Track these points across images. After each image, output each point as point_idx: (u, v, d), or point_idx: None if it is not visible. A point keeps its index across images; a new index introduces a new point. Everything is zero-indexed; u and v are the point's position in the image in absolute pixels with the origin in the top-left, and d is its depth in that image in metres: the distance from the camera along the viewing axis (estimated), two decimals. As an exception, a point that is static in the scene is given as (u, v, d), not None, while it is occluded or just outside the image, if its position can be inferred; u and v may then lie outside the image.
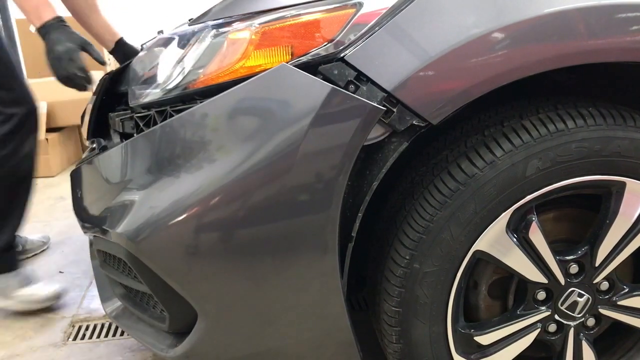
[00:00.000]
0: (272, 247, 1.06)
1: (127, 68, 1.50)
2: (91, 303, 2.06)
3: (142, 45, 1.86)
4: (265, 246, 1.06)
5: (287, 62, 1.05)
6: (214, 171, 1.04)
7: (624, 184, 1.15)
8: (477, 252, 1.15)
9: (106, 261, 1.38)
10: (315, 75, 1.05)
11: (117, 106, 1.43)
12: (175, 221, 1.04)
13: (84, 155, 1.48)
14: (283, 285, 1.09)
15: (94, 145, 1.36)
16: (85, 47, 1.60)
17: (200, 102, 1.09)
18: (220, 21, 1.14)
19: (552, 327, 1.25)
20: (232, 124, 1.05)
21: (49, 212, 3.06)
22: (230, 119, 1.05)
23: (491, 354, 1.24)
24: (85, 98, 1.82)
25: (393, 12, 1.03)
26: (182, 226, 1.04)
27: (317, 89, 1.01)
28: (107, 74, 1.53)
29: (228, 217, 1.04)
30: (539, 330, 1.24)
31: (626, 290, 1.26)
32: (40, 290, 2.00)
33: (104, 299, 1.50)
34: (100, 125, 1.47)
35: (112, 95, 1.50)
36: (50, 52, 1.55)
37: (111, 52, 2.06)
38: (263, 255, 1.06)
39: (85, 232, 1.34)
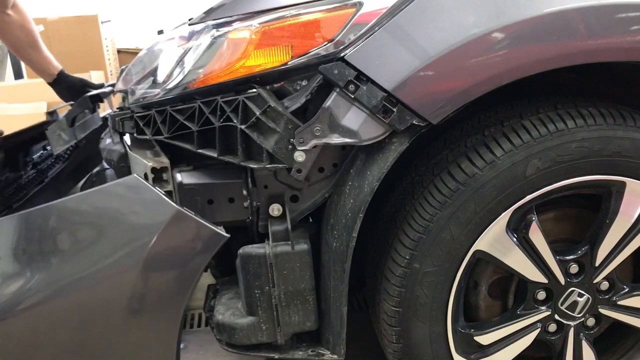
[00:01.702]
0: None
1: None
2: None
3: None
4: None
5: (287, 62, 1.05)
6: (49, 274, 1.01)
7: (624, 184, 1.15)
8: (477, 252, 1.15)
9: None
10: (315, 75, 1.05)
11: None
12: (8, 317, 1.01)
13: None
14: None
15: None
16: None
17: (200, 102, 1.09)
18: (220, 21, 1.14)
19: (552, 327, 1.25)
20: (77, 228, 1.04)
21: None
22: (75, 224, 1.04)
23: (491, 354, 1.24)
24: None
25: (393, 11, 1.02)
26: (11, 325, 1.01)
27: (163, 207, 1.01)
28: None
29: (59, 323, 1.02)
30: (539, 330, 1.24)
31: (626, 290, 1.26)
32: None
33: None
34: None
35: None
36: None
37: (51, 84, 2.03)
38: None
39: None
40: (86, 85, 2.05)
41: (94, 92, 1.83)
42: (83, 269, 1.02)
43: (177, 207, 1.01)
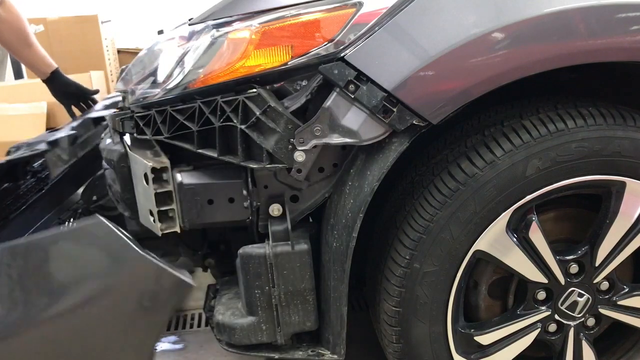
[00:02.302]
0: None
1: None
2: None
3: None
4: None
5: (287, 62, 1.05)
6: (24, 312, 1.00)
7: (624, 184, 1.15)
8: (477, 252, 1.15)
9: None
10: (315, 75, 1.05)
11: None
12: None
13: None
14: None
15: None
16: None
17: (200, 102, 1.09)
18: (220, 21, 1.14)
19: (552, 327, 1.25)
20: (37, 272, 1.02)
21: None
22: (36, 268, 1.03)
23: (491, 354, 1.24)
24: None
25: (393, 11, 1.03)
26: None
27: (128, 254, 1.00)
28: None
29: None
30: (539, 330, 1.24)
31: (626, 290, 1.26)
32: None
33: None
34: None
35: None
36: None
37: (45, 82, 2.06)
38: None
39: None
40: (80, 89, 2.09)
41: (97, 114, 1.85)
42: (34, 317, 1.00)
43: (143, 253, 1.00)
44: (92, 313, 1.00)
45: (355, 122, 1.05)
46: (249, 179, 1.15)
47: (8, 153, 1.76)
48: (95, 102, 2.13)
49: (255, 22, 1.07)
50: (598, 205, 1.21)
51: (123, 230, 1.02)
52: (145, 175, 1.11)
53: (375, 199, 1.10)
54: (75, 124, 1.83)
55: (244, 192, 1.15)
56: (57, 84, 2.05)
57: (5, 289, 1.02)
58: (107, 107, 1.92)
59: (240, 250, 1.16)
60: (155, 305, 1.02)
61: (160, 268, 1.00)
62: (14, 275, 1.03)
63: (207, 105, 1.09)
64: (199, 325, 1.90)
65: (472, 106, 1.08)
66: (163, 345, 1.80)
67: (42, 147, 1.73)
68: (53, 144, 1.73)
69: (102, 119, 1.84)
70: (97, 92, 2.14)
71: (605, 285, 1.25)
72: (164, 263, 1.01)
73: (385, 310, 1.19)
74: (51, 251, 1.03)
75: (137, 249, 1.00)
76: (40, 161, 1.92)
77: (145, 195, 1.15)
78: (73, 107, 2.12)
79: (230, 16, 1.13)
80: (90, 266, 1.01)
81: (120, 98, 1.95)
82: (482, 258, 1.18)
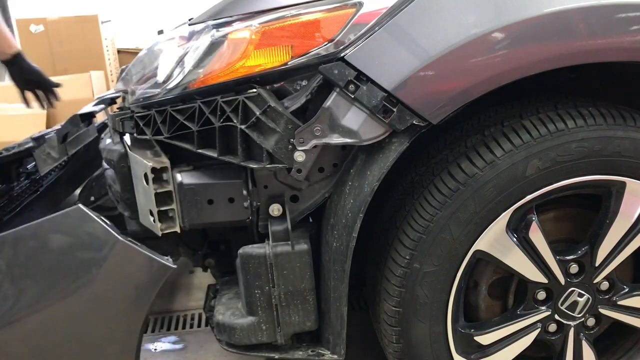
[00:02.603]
0: None
1: None
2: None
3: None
4: None
5: (288, 62, 1.05)
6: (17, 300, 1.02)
7: (624, 184, 1.15)
8: (477, 252, 1.15)
9: None
10: (315, 75, 1.05)
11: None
12: None
13: None
14: None
15: None
16: None
17: (200, 102, 1.09)
18: (220, 21, 1.14)
19: (552, 327, 1.25)
20: (20, 262, 1.04)
21: (49, 212, 3.05)
22: (18, 257, 1.04)
23: (491, 354, 1.24)
24: (87, 98, 1.81)
25: (393, 11, 1.03)
26: None
27: (108, 239, 1.02)
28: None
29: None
30: (539, 330, 1.24)
31: (626, 290, 1.26)
32: None
33: None
34: None
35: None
36: None
37: (5, 63, 1.95)
38: None
39: None
40: (42, 79, 1.98)
41: (86, 110, 1.81)
42: (25, 304, 1.01)
43: (122, 239, 1.01)
44: (74, 300, 1.01)
45: (355, 122, 1.05)
46: (249, 179, 1.15)
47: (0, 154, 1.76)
48: (54, 94, 2.03)
49: (255, 22, 1.08)
50: (598, 205, 1.21)
51: (102, 217, 1.03)
52: (145, 175, 1.11)
53: (375, 199, 1.10)
54: (64, 122, 1.81)
55: (244, 192, 1.15)
56: (19, 68, 1.93)
57: None
58: (97, 104, 1.89)
59: (240, 250, 1.16)
60: (136, 289, 1.02)
61: (139, 252, 1.01)
62: (1, 267, 1.04)
63: (207, 105, 1.09)
64: (199, 325, 1.90)
65: (472, 106, 1.08)
66: (163, 345, 1.80)
67: (30, 144, 1.72)
68: (39, 140, 1.71)
69: (91, 115, 1.81)
70: (58, 85, 2.03)
71: (605, 285, 1.25)
72: (143, 247, 1.02)
73: (385, 310, 1.19)
74: (32, 240, 1.04)
75: (115, 234, 1.01)
76: (33, 162, 1.90)
77: (145, 195, 1.15)
78: (29, 96, 2.01)
79: (230, 16, 1.13)
80: (70, 252, 1.03)
81: (109, 95, 1.94)
82: (482, 258, 1.18)
